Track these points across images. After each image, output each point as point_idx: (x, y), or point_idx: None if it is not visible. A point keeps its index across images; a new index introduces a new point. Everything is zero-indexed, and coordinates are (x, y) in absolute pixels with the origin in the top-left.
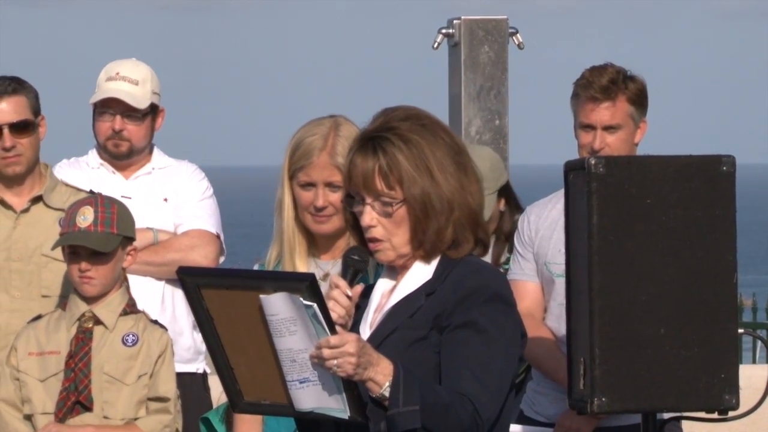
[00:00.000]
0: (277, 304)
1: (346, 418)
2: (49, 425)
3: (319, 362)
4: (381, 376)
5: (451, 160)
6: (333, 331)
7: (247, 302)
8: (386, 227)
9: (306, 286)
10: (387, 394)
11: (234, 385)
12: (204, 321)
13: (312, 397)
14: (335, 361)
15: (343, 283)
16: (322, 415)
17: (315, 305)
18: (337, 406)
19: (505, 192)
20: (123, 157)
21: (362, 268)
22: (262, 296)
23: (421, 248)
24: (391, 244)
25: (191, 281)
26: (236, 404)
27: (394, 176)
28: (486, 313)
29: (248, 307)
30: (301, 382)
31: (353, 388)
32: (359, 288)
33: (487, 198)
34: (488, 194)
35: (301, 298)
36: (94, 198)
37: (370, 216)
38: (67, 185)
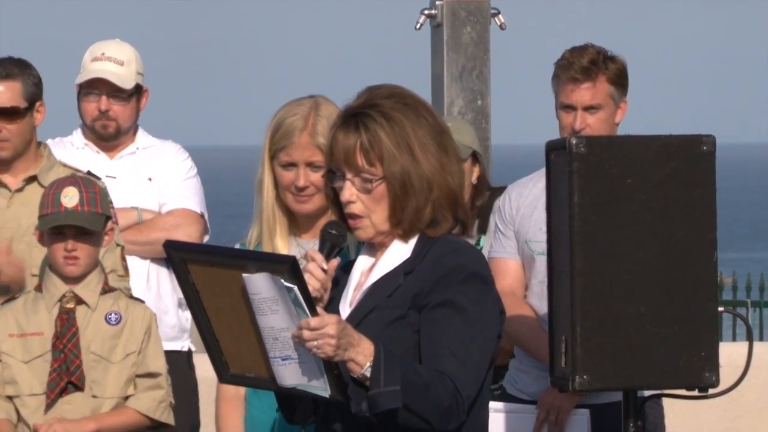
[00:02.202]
0: (259, 284)
1: (327, 396)
2: (54, 425)
3: (299, 342)
4: (362, 356)
5: (433, 139)
6: (314, 313)
7: (231, 280)
8: (365, 203)
9: (287, 268)
10: (368, 374)
11: (220, 357)
12: (190, 294)
13: (294, 374)
14: (315, 343)
15: (319, 257)
16: (303, 391)
17: (295, 287)
18: (319, 385)
19: (481, 164)
20: (110, 137)
21: (339, 242)
22: (244, 275)
23: (400, 226)
24: (371, 220)
25: (177, 256)
26: (222, 375)
27: (375, 153)
28: (464, 292)
29: (232, 285)
30: (283, 359)
31: (334, 368)
32: (335, 262)
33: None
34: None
35: (282, 280)
36: (74, 178)
37: (350, 191)
38: (65, 165)
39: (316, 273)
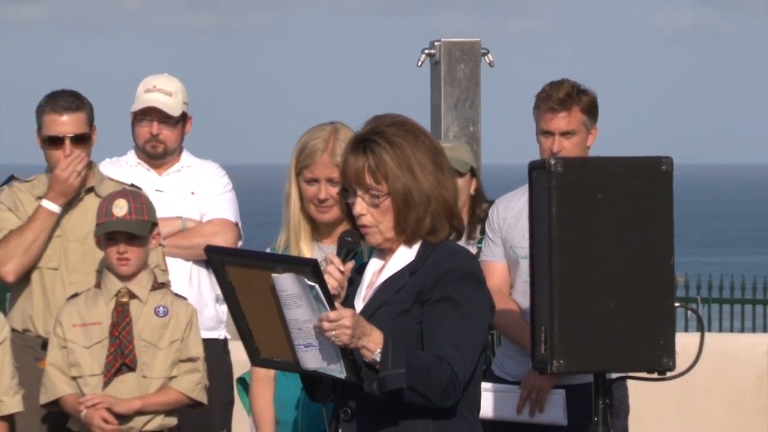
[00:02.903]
0: (286, 283)
1: (343, 378)
2: (107, 398)
3: (320, 332)
4: (373, 344)
5: (430, 160)
6: (332, 307)
7: (262, 279)
8: (374, 216)
9: (309, 269)
10: (378, 359)
11: (252, 344)
12: (228, 291)
13: (315, 359)
14: (333, 332)
15: (337, 260)
16: (323, 374)
17: (317, 285)
18: (336, 368)
19: (478, 178)
20: (159, 157)
21: (354, 248)
22: (274, 275)
23: (404, 234)
24: (378, 229)
25: (216, 258)
26: (254, 359)
27: (381, 173)
28: (460, 290)
29: (263, 283)
30: (306, 347)
31: (349, 353)
32: (350, 264)
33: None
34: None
35: (306, 279)
36: (123, 191)
37: (360, 206)
38: (111, 179)
39: (335, 274)
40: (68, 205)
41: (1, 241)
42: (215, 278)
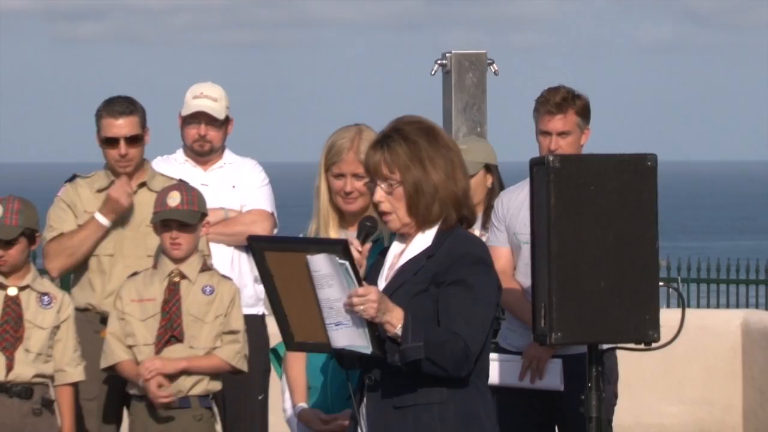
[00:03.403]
0: (319, 263)
1: (369, 352)
2: (153, 359)
3: (349, 308)
4: (395, 320)
5: (441, 155)
6: (360, 284)
7: (298, 261)
8: (391, 203)
9: (340, 248)
10: (399, 333)
11: (288, 329)
12: (266, 276)
13: (345, 336)
14: (362, 306)
15: (356, 242)
16: (352, 351)
17: (347, 263)
18: (363, 344)
19: (493, 173)
20: (205, 154)
21: (371, 231)
22: (308, 256)
23: (417, 219)
24: (396, 216)
25: (257, 246)
26: (289, 344)
27: (395, 165)
28: (472, 273)
29: (298, 266)
30: (336, 325)
31: (375, 329)
32: (368, 246)
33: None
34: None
35: (337, 258)
36: (178, 185)
37: (379, 194)
38: (161, 175)
39: (354, 253)
40: None
41: (54, 240)
42: (255, 266)
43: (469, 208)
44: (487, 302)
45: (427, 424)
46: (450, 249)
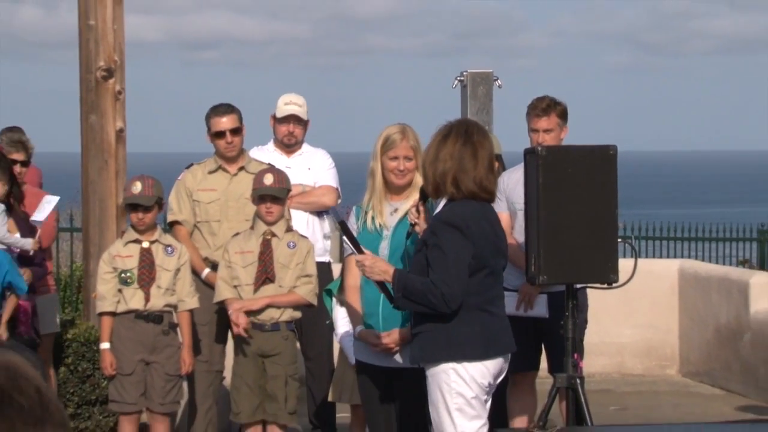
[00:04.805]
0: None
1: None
2: (240, 302)
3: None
4: (388, 276)
5: (456, 145)
6: (360, 252)
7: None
8: (409, 169)
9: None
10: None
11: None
12: (347, 232)
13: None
14: (361, 269)
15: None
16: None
17: (346, 238)
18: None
19: (499, 160)
20: (291, 146)
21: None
22: (344, 237)
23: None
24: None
25: (341, 224)
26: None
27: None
28: (440, 235)
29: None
30: None
31: (382, 284)
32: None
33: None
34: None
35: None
36: (270, 168)
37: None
38: (256, 160)
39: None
40: (229, 178)
41: (177, 226)
42: (341, 230)
43: (466, 184)
44: (456, 257)
45: (420, 347)
46: (435, 217)
